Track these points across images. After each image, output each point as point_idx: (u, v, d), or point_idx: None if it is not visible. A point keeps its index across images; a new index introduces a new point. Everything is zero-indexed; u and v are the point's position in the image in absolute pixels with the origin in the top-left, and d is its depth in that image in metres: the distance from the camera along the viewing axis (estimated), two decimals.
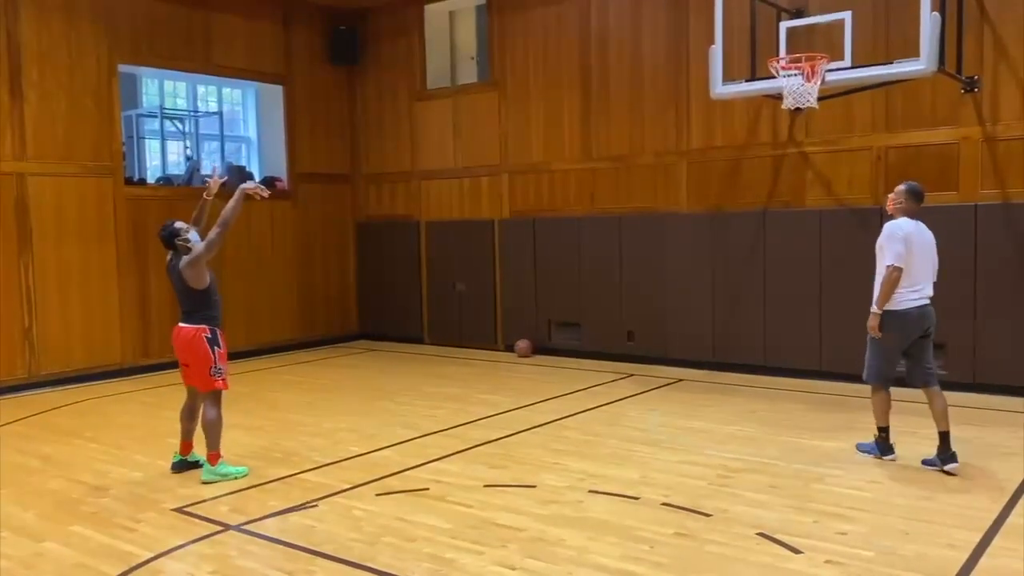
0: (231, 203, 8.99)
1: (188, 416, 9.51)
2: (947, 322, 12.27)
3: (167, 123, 18.72)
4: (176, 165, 18.77)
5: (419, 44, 18.87)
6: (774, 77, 12.17)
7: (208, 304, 9.18)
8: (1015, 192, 12.42)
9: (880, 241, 9.47)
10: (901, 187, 9.59)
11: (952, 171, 12.88)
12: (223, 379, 9.20)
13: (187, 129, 19.15)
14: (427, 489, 8.67)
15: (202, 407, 9.30)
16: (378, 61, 19.40)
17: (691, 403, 12.49)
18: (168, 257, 9.27)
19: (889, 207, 9.69)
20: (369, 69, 19.56)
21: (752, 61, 12.96)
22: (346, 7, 19.11)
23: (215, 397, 9.23)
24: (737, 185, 14.68)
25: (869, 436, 9.93)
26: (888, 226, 9.46)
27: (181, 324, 9.20)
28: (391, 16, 19.10)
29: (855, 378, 12.62)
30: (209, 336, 9.08)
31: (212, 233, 9.00)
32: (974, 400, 12.17)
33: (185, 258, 9.01)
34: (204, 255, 9.03)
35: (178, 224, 9.21)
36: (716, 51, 12.75)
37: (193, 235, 9.17)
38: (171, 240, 9.16)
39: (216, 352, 9.10)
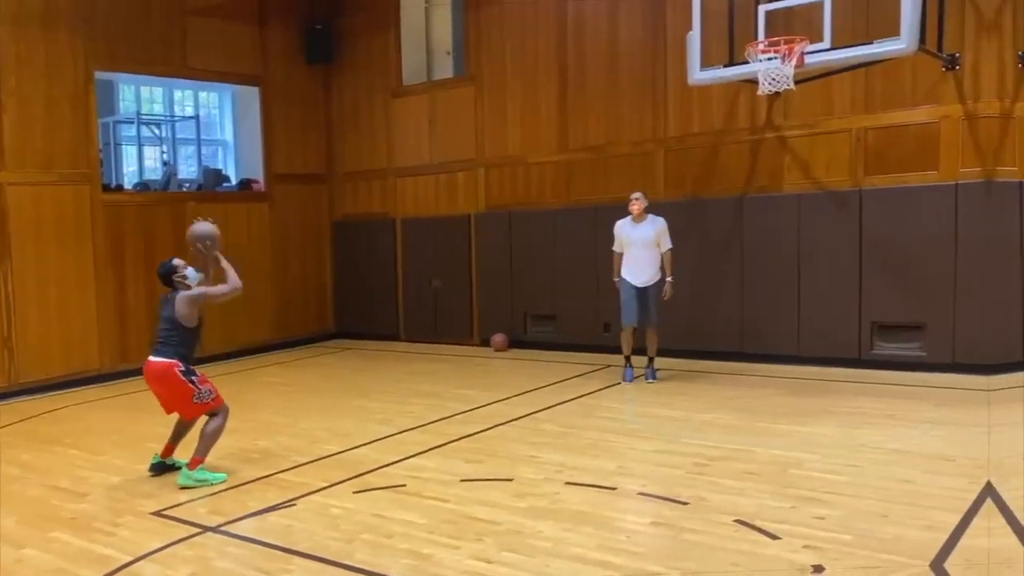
0: (231, 272, 9.22)
1: (181, 426, 9.52)
2: (926, 303, 12.33)
3: (144, 129, 18.65)
4: (153, 170, 18.70)
5: (395, 40, 18.80)
6: (752, 62, 12.14)
7: (187, 341, 9.13)
8: (996, 170, 12.40)
9: (657, 232, 12.86)
10: (639, 194, 12.98)
11: (932, 150, 12.86)
12: (212, 400, 9.13)
13: (164, 134, 19.09)
14: (404, 485, 8.63)
15: (205, 420, 9.29)
16: (354, 59, 19.32)
17: (667, 392, 12.51)
18: (164, 294, 9.27)
19: (640, 208, 12.90)
20: (345, 67, 19.47)
21: (730, 46, 12.86)
22: (321, 4, 19.06)
23: (219, 411, 9.22)
24: (715, 171, 14.66)
25: (848, 420, 10.23)
26: (659, 221, 12.94)
27: (151, 358, 9.11)
28: (367, 13, 19.02)
29: (833, 362, 12.75)
30: (182, 369, 8.98)
31: (221, 289, 9.15)
32: (953, 381, 12.20)
33: (185, 294, 9.03)
34: (204, 299, 9.12)
35: (176, 261, 9.27)
36: (694, 37, 12.72)
37: (191, 272, 9.23)
38: (168, 277, 9.19)
39: (195, 380, 9.02)
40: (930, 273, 12.66)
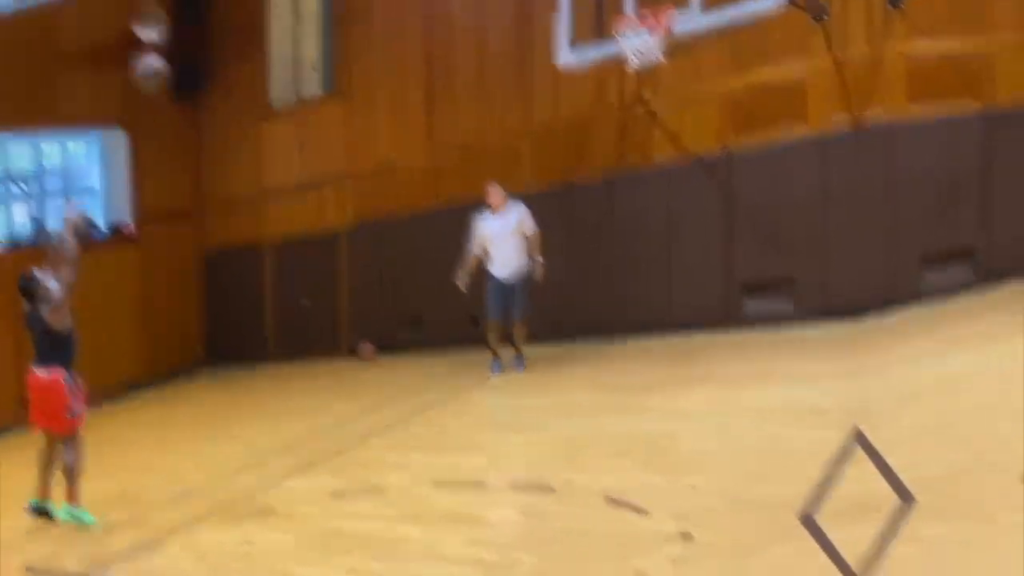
0: (67, 241, 8.96)
1: (45, 459, 9.28)
2: (796, 257, 12.33)
3: (12, 185, 18.31)
4: (23, 227, 18.35)
5: (263, 64, 18.60)
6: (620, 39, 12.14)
7: (68, 347, 9.09)
8: (864, 115, 12.39)
9: (520, 218, 12.71)
10: (495, 185, 12.91)
11: (801, 103, 12.80)
12: (79, 419, 9.06)
13: (32, 189, 18.73)
14: (273, 508, 8.47)
15: (62, 449, 9.10)
16: (223, 88, 19.12)
17: (537, 380, 12.45)
18: (26, 307, 9.14)
19: (498, 199, 12.82)
20: (215, 97, 19.26)
21: (599, 25, 12.87)
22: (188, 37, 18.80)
23: (75, 439, 9.08)
24: (584, 154, 14.55)
25: (720, 384, 10.22)
26: (520, 207, 12.80)
27: (36, 369, 9.04)
28: (235, 40, 18.84)
29: (705, 328, 12.69)
30: (67, 379, 8.95)
31: (67, 273, 8.92)
32: (824, 332, 12.07)
33: (51, 304, 8.91)
34: (66, 297, 8.95)
35: (36, 273, 9.13)
36: (561, 19, 12.72)
37: (52, 283, 9.03)
38: (31, 290, 9.05)
39: (74, 393, 8.98)
40: (799, 226, 12.65)
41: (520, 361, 13.05)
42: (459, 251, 13.53)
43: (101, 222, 18.65)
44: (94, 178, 19.27)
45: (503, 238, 12.61)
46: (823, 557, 5.17)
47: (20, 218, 18.49)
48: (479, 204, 13.45)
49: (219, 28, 19.07)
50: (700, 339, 12.75)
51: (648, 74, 13.44)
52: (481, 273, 12.95)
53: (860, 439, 7.42)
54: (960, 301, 11.47)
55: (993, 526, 5.48)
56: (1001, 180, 11.81)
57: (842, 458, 7.00)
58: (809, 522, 5.93)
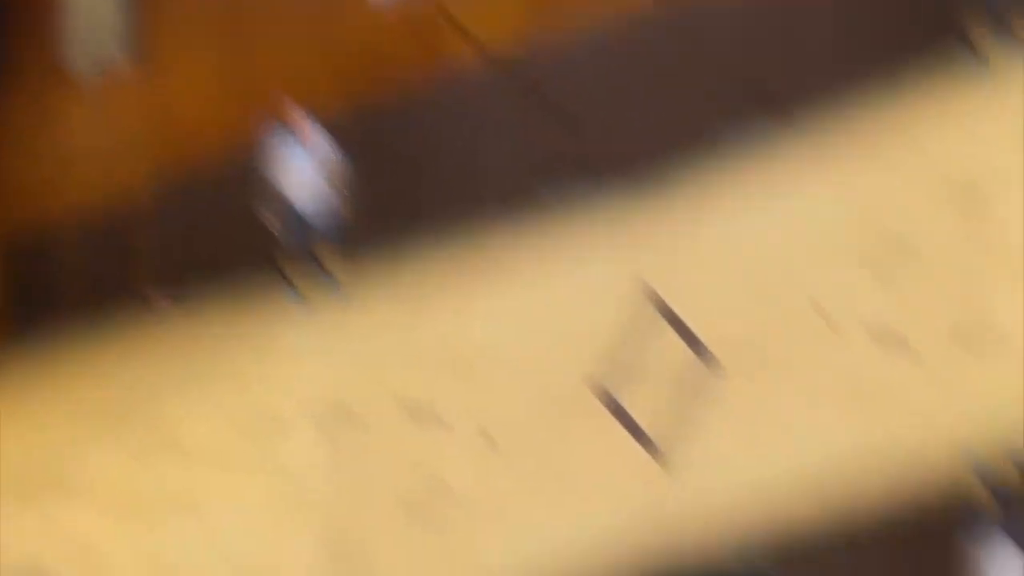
0: None
1: None
2: (595, 135, 12.18)
3: None
4: None
5: (58, 34, 17.96)
6: None
7: None
8: None
9: (320, 148, 12.60)
10: (298, 113, 12.58)
11: None
12: None
13: None
14: (73, 478, 8.15)
15: None
16: (19, 65, 18.44)
17: (339, 302, 11.83)
18: None
19: (301, 128, 12.62)
20: (10, 77, 18.59)
21: None
22: None
23: None
24: (386, 74, 14.22)
25: (521, 278, 10.00)
26: (321, 136, 12.56)
27: None
28: (29, 13, 18.15)
29: (507, 221, 12.41)
30: None
31: None
32: (624, 205, 11.56)
33: None
34: None
35: None
36: None
37: None
38: None
39: None
40: (599, 105, 12.45)
41: (332, 285, 12.81)
42: (265, 188, 13.29)
43: None
44: None
45: (306, 166, 12.47)
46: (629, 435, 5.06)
47: None
48: (283, 141, 13.23)
49: (11, 4, 18.41)
50: (502, 234, 12.52)
51: None
52: (284, 203, 12.70)
53: (656, 303, 7.24)
54: (759, 153, 11.38)
55: (800, 378, 5.42)
56: (794, 23, 11.75)
57: (637, 325, 6.82)
58: (605, 398, 5.74)
